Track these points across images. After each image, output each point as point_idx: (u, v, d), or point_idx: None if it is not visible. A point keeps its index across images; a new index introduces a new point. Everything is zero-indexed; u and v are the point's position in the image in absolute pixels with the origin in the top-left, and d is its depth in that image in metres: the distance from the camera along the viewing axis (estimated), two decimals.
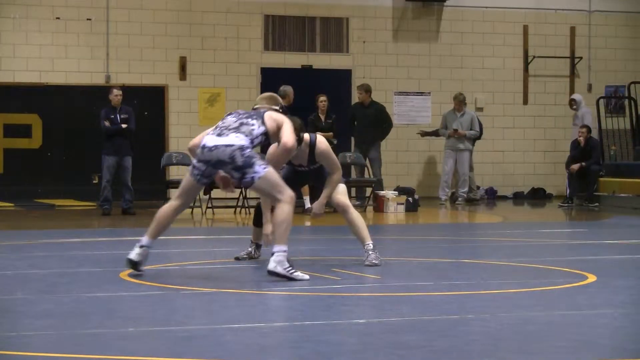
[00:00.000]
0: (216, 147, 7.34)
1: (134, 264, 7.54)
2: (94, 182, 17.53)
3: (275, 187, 7.35)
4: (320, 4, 19.24)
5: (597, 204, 17.45)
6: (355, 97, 18.58)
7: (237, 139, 7.35)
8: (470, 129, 18.17)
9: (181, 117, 18.51)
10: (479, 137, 18.67)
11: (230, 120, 7.57)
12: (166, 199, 16.15)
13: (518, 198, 19.94)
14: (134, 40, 18.37)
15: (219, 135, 7.41)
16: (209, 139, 7.42)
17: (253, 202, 15.58)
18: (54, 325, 5.52)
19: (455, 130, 17.98)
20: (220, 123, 7.58)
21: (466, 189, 18.27)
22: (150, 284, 7.21)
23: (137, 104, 17.30)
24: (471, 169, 18.69)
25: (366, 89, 17.31)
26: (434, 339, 5.15)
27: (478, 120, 18.58)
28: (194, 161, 7.52)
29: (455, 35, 19.89)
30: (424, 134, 18.83)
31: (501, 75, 20.22)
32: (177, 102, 18.56)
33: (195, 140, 7.60)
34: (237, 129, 7.43)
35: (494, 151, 19.77)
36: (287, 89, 15.81)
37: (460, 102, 18.16)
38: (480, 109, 19.63)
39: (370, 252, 8.17)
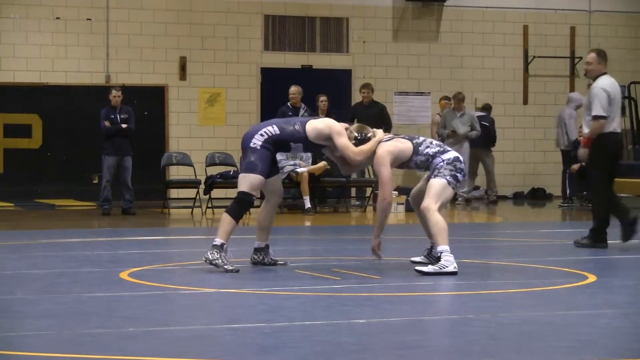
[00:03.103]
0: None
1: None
2: (94, 182, 17.53)
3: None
4: (320, 4, 19.24)
5: None
6: (356, 97, 18.59)
7: None
8: (471, 129, 18.16)
9: (181, 117, 18.51)
10: (489, 142, 18.68)
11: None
12: (166, 199, 16.15)
13: (518, 198, 19.94)
14: (134, 40, 18.37)
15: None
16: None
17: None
18: (54, 325, 5.52)
19: (454, 132, 17.97)
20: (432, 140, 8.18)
21: (466, 189, 18.26)
22: (150, 284, 7.21)
23: (137, 104, 17.29)
24: (487, 172, 18.70)
25: (372, 88, 17.35)
26: (434, 339, 5.15)
27: (490, 125, 18.60)
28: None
29: (455, 35, 19.89)
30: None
31: (501, 75, 20.22)
32: (177, 102, 18.56)
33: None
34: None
35: (494, 151, 19.75)
36: (290, 88, 15.97)
37: (459, 101, 18.15)
38: (479, 109, 19.62)
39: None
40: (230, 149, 17.58)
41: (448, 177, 7.97)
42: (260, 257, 8.23)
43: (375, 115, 17.33)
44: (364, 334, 5.35)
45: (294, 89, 16.07)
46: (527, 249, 10.04)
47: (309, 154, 15.67)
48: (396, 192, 16.41)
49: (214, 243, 7.78)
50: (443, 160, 8.00)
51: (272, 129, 7.92)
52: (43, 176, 17.97)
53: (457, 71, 19.89)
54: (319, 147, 8.20)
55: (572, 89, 20.48)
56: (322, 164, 15.68)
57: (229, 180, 15.54)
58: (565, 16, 20.49)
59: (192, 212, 15.51)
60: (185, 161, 16.24)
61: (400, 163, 8.12)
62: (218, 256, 7.72)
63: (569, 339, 5.17)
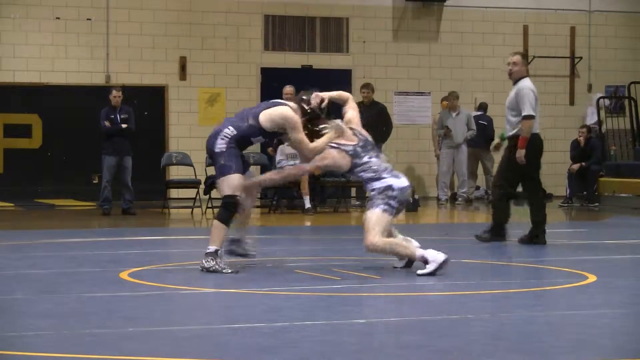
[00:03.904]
0: None
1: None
2: (94, 182, 17.53)
3: None
4: (320, 4, 19.24)
5: (597, 204, 17.45)
6: (355, 97, 18.57)
7: None
8: (468, 129, 18.18)
9: (181, 117, 18.51)
10: (488, 141, 18.70)
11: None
12: (166, 199, 16.15)
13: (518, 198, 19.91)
14: (134, 40, 18.37)
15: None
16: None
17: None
18: (54, 325, 5.52)
19: (447, 128, 17.98)
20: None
21: (466, 189, 18.26)
22: (150, 284, 7.21)
23: (137, 104, 17.29)
24: (487, 172, 18.71)
25: (372, 88, 17.34)
26: (434, 339, 5.15)
27: (489, 123, 18.61)
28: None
29: (455, 35, 19.89)
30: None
31: (501, 75, 20.16)
32: (177, 102, 18.56)
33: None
34: None
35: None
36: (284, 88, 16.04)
37: (453, 100, 18.16)
38: (477, 108, 19.62)
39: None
40: None
41: (382, 206, 7.88)
42: (239, 249, 8.27)
43: (375, 115, 17.33)
44: (364, 334, 5.35)
45: (289, 89, 16.10)
46: (527, 249, 10.04)
47: None
48: None
49: (208, 251, 7.76)
50: (374, 189, 7.93)
51: (228, 130, 7.96)
52: (43, 176, 17.97)
53: (457, 71, 19.89)
54: (280, 135, 8.15)
55: (572, 89, 20.49)
56: None
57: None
58: (565, 16, 20.49)
59: (192, 212, 15.51)
60: (185, 161, 16.24)
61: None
62: (214, 263, 7.71)
63: (569, 339, 5.17)
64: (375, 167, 7.96)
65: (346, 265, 8.13)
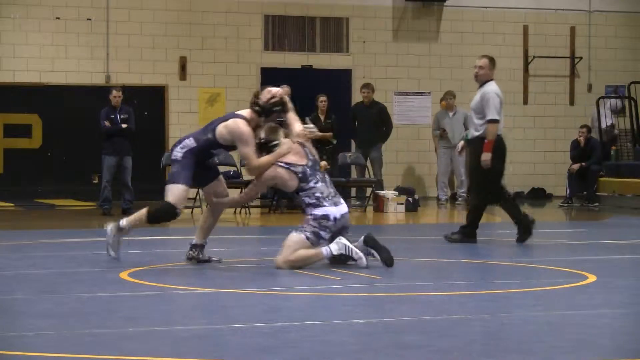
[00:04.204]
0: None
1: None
2: (94, 182, 17.53)
3: None
4: (320, 4, 19.23)
5: (597, 204, 17.45)
6: (355, 97, 18.59)
7: None
8: (465, 129, 18.18)
9: (181, 117, 18.51)
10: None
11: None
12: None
13: (518, 198, 19.93)
14: (134, 40, 18.37)
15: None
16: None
17: (252, 203, 15.58)
18: (54, 325, 5.52)
19: (443, 130, 18.01)
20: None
21: (465, 189, 18.26)
22: (150, 284, 7.21)
23: (137, 104, 17.29)
24: None
25: (372, 88, 17.36)
26: (434, 339, 5.15)
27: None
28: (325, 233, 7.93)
29: (455, 35, 19.89)
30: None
31: (501, 75, 20.16)
32: (177, 102, 18.56)
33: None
34: None
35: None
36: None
37: (450, 99, 18.16)
38: None
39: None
40: None
41: (308, 234, 7.90)
42: (195, 253, 8.39)
43: (375, 115, 17.34)
44: (364, 334, 5.35)
45: (286, 90, 16.12)
46: (527, 249, 10.04)
47: None
48: (396, 192, 16.42)
49: (119, 222, 8.14)
50: (312, 215, 7.93)
51: (188, 142, 8.12)
52: (43, 176, 17.97)
53: (457, 71, 19.88)
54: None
55: (572, 89, 20.48)
56: (322, 164, 15.59)
57: (228, 180, 15.52)
58: (565, 16, 20.48)
59: (192, 212, 15.50)
60: None
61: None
62: (111, 234, 8.10)
63: (569, 339, 5.17)
64: (319, 194, 7.99)
65: (346, 266, 8.13)
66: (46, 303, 6.31)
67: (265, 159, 7.98)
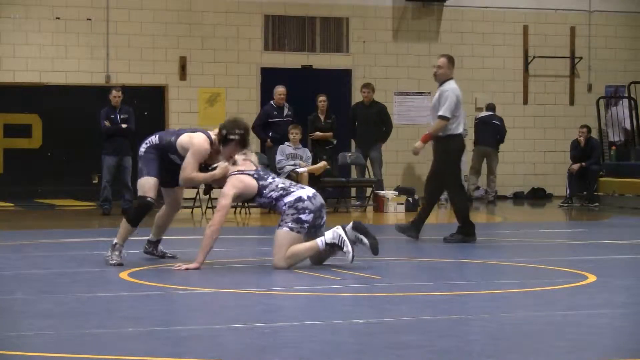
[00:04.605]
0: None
1: None
2: (94, 182, 17.53)
3: None
4: (320, 4, 19.23)
5: (597, 204, 17.45)
6: (355, 97, 18.59)
7: None
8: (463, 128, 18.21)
9: (181, 117, 18.50)
10: (500, 141, 18.72)
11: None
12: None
13: (518, 198, 19.93)
14: (134, 40, 18.37)
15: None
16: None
17: (252, 203, 15.54)
18: (54, 325, 5.52)
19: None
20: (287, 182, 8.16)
21: (466, 185, 18.27)
22: (150, 284, 7.21)
23: (137, 104, 17.28)
24: (492, 172, 18.70)
25: (372, 88, 17.37)
26: (434, 339, 5.15)
27: (501, 123, 18.62)
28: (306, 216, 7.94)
29: (455, 35, 19.89)
30: None
31: (501, 75, 20.22)
32: (177, 102, 18.56)
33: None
34: None
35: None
36: (275, 88, 16.07)
37: None
38: (480, 109, 19.63)
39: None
40: None
41: (290, 224, 7.91)
42: (151, 249, 8.82)
43: (375, 115, 17.34)
44: (364, 334, 5.35)
45: (283, 90, 16.15)
46: (527, 249, 10.04)
47: (309, 155, 15.68)
48: (396, 192, 16.42)
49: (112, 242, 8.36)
50: (285, 204, 7.94)
51: (154, 138, 8.53)
52: (43, 176, 17.96)
53: (457, 71, 19.75)
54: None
55: (572, 89, 20.49)
56: (322, 164, 15.68)
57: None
58: (565, 16, 20.48)
59: (192, 212, 15.50)
60: None
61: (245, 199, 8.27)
62: (109, 254, 8.29)
63: (569, 339, 5.17)
64: (281, 184, 8.05)
65: (346, 266, 8.13)
66: (46, 303, 6.31)
67: (200, 175, 8.17)
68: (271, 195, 7.97)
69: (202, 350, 4.88)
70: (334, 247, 7.91)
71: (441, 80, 10.85)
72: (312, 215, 7.89)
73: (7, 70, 17.93)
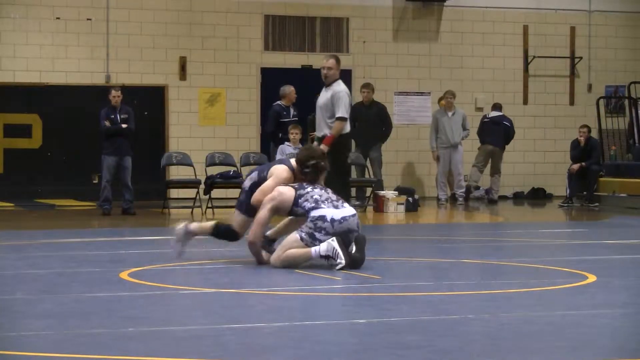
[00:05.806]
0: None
1: None
2: (94, 182, 17.53)
3: None
4: (320, 4, 19.23)
5: (597, 204, 17.45)
6: (356, 97, 18.59)
7: None
8: (463, 129, 18.22)
9: (181, 117, 18.51)
10: (507, 142, 18.72)
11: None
12: (166, 199, 16.15)
13: (518, 198, 19.94)
14: (134, 40, 18.37)
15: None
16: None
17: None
18: (54, 325, 5.52)
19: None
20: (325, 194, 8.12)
21: (464, 190, 18.26)
22: (150, 284, 7.21)
23: (137, 104, 17.29)
24: (498, 171, 18.68)
25: (372, 88, 17.38)
26: (434, 339, 5.15)
27: (511, 124, 18.63)
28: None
29: (455, 35, 19.89)
30: None
31: (501, 75, 20.22)
32: (177, 102, 18.56)
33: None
34: None
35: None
36: (285, 88, 15.96)
37: (450, 96, 18.18)
38: (480, 109, 19.64)
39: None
40: (230, 149, 17.60)
41: (303, 234, 7.94)
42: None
43: (375, 115, 17.35)
44: (364, 334, 5.35)
45: (293, 89, 16.13)
46: (527, 249, 10.04)
47: None
48: (396, 192, 16.42)
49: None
50: (310, 216, 7.97)
51: (254, 175, 8.43)
52: (43, 176, 17.96)
53: (457, 71, 19.89)
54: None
55: (572, 89, 20.49)
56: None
57: (229, 181, 15.60)
58: (565, 16, 20.48)
59: (192, 212, 15.51)
60: (185, 161, 16.25)
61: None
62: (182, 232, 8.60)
63: (569, 339, 5.17)
64: (317, 196, 8.05)
65: (346, 266, 8.13)
66: (46, 303, 6.31)
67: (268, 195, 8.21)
68: (304, 206, 8.01)
69: (202, 350, 4.88)
70: (328, 259, 7.87)
71: (330, 81, 11.01)
72: (328, 237, 7.89)
73: (7, 70, 17.93)
